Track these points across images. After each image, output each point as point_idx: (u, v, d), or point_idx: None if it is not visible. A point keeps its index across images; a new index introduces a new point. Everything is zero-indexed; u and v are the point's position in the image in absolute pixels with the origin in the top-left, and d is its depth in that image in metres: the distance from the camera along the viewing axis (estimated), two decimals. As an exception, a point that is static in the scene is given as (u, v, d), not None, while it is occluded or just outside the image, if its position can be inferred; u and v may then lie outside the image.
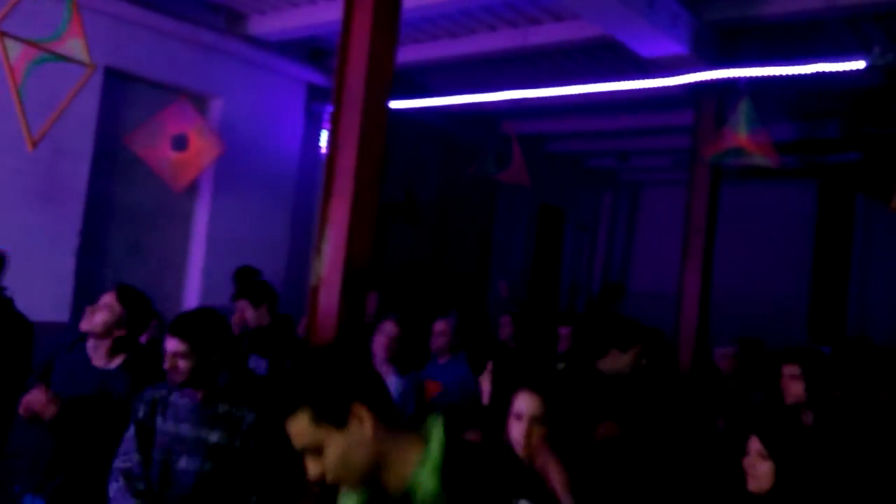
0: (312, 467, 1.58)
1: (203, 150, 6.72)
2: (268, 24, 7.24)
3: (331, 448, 1.57)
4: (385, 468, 1.59)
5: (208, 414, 2.93)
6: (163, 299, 6.77)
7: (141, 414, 2.95)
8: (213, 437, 2.89)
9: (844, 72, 5.98)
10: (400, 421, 1.65)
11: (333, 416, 1.57)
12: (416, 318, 5.62)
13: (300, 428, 1.57)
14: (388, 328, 4.60)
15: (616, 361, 4.01)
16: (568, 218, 12.47)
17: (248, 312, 5.03)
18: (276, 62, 7.60)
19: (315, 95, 8.07)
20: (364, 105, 3.98)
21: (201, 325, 2.97)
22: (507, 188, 9.85)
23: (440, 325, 5.18)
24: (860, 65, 5.79)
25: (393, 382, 4.41)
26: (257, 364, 4.78)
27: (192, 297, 7.33)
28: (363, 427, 1.58)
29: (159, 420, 2.94)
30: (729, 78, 6.30)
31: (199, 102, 7.22)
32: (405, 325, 4.68)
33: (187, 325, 2.95)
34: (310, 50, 7.94)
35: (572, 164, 12.33)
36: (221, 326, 3.07)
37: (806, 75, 5.98)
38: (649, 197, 12.81)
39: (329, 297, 3.84)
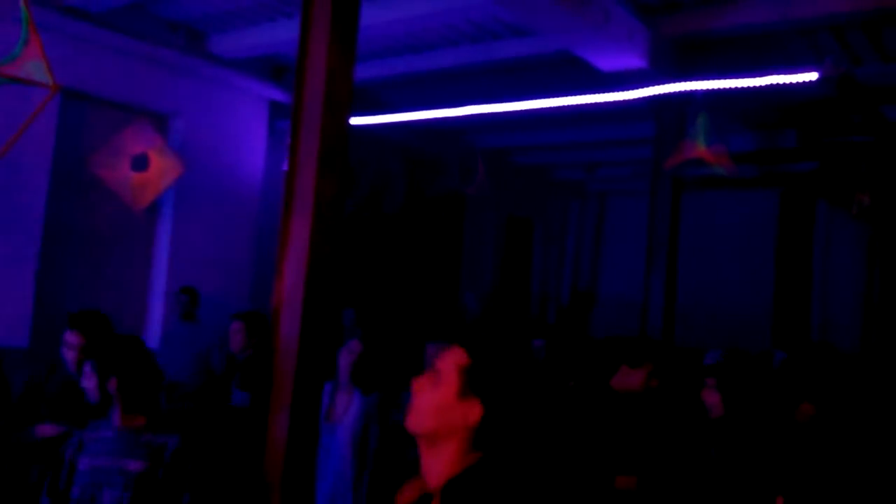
0: None
1: (163, 169, 6.62)
2: (228, 42, 7.20)
3: None
4: None
5: (129, 443, 2.89)
6: (125, 322, 6.66)
7: (67, 455, 2.91)
8: (135, 466, 2.85)
9: (800, 83, 6.10)
10: None
11: None
12: (393, 336, 5.55)
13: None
14: (352, 346, 4.54)
15: (626, 378, 3.95)
16: (536, 229, 12.54)
17: (238, 336, 4.87)
18: (237, 80, 7.56)
19: (278, 112, 8.04)
20: (323, 123, 3.93)
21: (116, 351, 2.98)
22: (475, 201, 9.88)
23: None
24: (813, 76, 5.91)
25: (356, 402, 4.36)
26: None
27: (155, 319, 7.22)
28: None
29: (82, 458, 2.89)
30: (687, 90, 6.40)
31: (160, 122, 7.15)
32: (370, 343, 4.62)
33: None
34: (272, 67, 7.91)
35: (540, 176, 12.40)
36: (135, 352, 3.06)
37: (762, 87, 6.09)
38: (616, 206, 12.92)
39: (291, 320, 3.79)
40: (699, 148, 6.13)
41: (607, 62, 6.35)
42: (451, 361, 1.74)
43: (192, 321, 6.60)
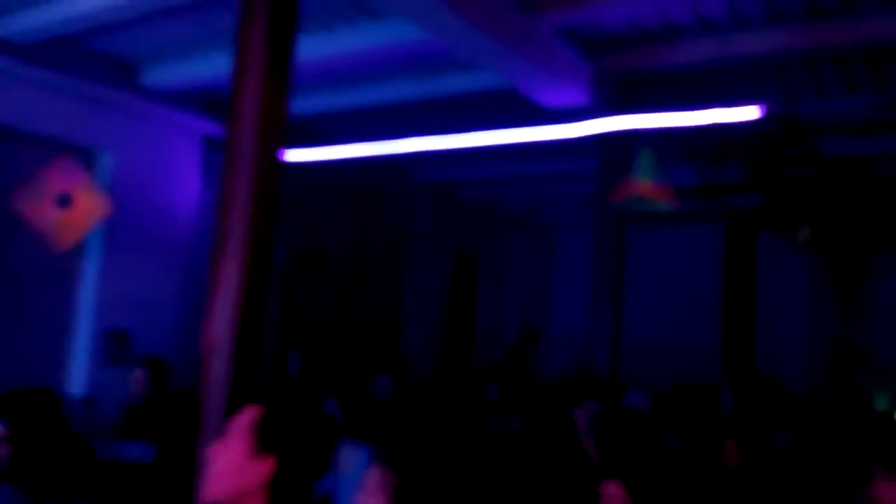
0: None
1: (89, 208, 6.28)
2: (160, 76, 6.95)
3: None
4: None
5: None
6: (47, 364, 6.27)
7: None
8: None
9: (740, 118, 6.16)
10: None
11: None
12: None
13: None
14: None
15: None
16: (482, 264, 12.42)
17: (140, 385, 4.58)
18: (170, 114, 7.30)
19: (214, 147, 7.77)
20: (256, 159, 3.77)
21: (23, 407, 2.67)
22: (420, 236, 9.72)
23: None
24: (755, 112, 5.98)
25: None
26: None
27: (80, 361, 6.83)
28: None
29: None
30: (630, 126, 6.40)
31: (87, 158, 6.81)
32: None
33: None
34: (207, 101, 7.66)
35: (485, 211, 12.34)
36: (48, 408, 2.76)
37: (704, 122, 6.13)
38: (562, 241, 12.93)
39: (220, 364, 3.56)
40: (643, 183, 6.12)
41: (551, 98, 6.33)
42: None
43: (123, 365, 6.24)
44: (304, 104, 7.64)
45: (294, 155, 7.36)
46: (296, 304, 8.84)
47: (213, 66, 6.60)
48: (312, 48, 6.07)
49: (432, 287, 11.31)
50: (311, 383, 5.96)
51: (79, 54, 6.61)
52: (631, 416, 3.56)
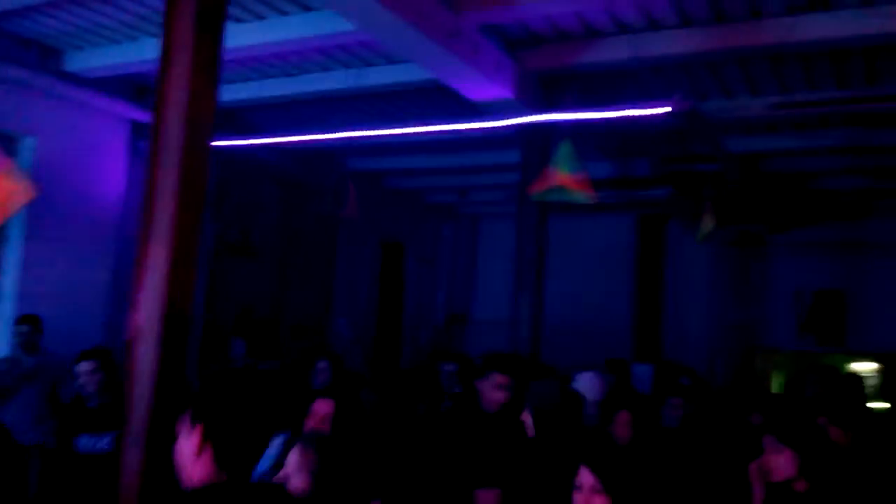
0: None
1: (11, 193, 6.16)
2: (86, 60, 6.86)
3: None
4: None
5: None
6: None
7: None
8: None
9: (652, 115, 6.54)
10: None
11: None
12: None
13: None
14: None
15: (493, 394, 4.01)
16: (409, 252, 12.65)
17: (96, 377, 4.46)
18: (96, 99, 7.19)
19: (141, 133, 7.71)
20: (184, 146, 3.79)
21: None
22: (349, 225, 9.86)
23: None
24: (665, 110, 6.35)
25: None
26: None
27: (2, 351, 6.70)
28: None
29: None
30: (551, 120, 6.70)
31: (9, 142, 6.66)
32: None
33: None
34: (134, 86, 7.59)
35: (412, 200, 12.55)
36: None
37: (618, 119, 6.48)
38: (488, 228, 13.29)
39: (146, 350, 3.61)
40: (562, 175, 6.43)
41: (476, 92, 6.56)
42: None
43: (35, 353, 6.13)
44: (234, 93, 7.68)
45: (222, 143, 7.39)
46: (224, 292, 8.86)
47: (142, 51, 6.58)
48: (242, 37, 6.14)
49: (361, 274, 11.47)
50: (255, 370, 6.05)
51: (0, 38, 6.47)
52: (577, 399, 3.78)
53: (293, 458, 2.50)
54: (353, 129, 6.93)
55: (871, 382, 10.46)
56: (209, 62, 3.95)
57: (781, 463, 3.46)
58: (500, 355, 4.09)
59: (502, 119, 6.70)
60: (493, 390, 3.85)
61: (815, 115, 7.41)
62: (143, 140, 7.71)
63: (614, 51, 6.35)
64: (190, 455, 1.82)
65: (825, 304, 11.15)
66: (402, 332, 12.45)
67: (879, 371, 11.04)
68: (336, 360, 6.01)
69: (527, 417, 3.59)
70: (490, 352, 4.20)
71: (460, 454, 3.72)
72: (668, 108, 6.25)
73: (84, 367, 4.44)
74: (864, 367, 11.09)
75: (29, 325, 6.07)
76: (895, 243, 10.64)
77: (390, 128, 6.97)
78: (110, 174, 7.48)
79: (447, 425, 4.05)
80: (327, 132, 6.99)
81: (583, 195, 6.44)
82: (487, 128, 7.22)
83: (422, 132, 7.14)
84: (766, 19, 5.80)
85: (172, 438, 3.56)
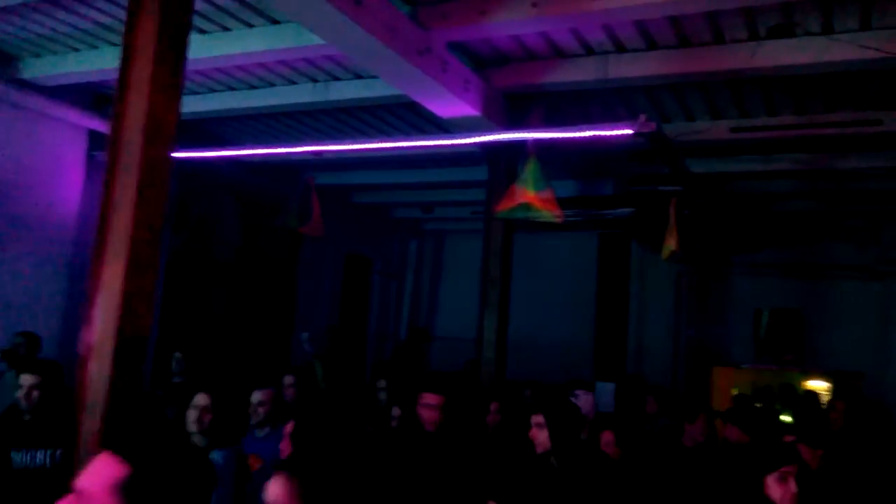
0: None
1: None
2: (43, 68, 6.69)
3: None
4: None
5: None
6: None
7: None
8: None
9: (616, 136, 6.60)
10: None
11: None
12: (230, 383, 5.26)
13: None
14: (199, 399, 4.22)
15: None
16: (375, 267, 12.58)
17: (36, 392, 4.32)
18: (53, 108, 7.01)
19: (100, 143, 7.54)
20: (143, 158, 3.70)
21: None
22: (315, 239, 9.76)
23: (259, 395, 4.71)
24: (627, 131, 6.41)
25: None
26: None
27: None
28: None
29: None
30: (517, 139, 6.72)
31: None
32: (218, 394, 4.32)
33: None
34: (93, 95, 7.42)
35: (379, 215, 12.50)
36: None
37: (583, 138, 6.52)
38: (453, 245, 13.30)
39: (100, 369, 3.50)
40: (528, 193, 6.44)
41: (444, 109, 6.55)
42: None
43: None
44: (198, 104, 7.56)
45: (186, 155, 7.25)
46: (185, 307, 8.68)
47: (102, 60, 6.44)
48: (207, 48, 6.05)
49: (325, 289, 11.36)
50: (193, 387, 5.87)
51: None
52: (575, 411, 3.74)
53: (275, 489, 2.37)
54: (319, 144, 6.85)
55: (824, 400, 10.67)
56: (171, 74, 3.86)
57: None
58: (434, 374, 4.11)
59: (469, 136, 6.70)
60: (424, 410, 3.86)
61: (774, 140, 7.56)
62: (102, 150, 7.54)
63: (580, 72, 6.41)
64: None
65: (783, 323, 11.35)
66: (367, 348, 12.35)
67: (831, 389, 11.26)
68: (301, 376, 5.91)
69: (537, 434, 3.56)
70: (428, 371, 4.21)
71: (398, 475, 3.71)
72: (632, 130, 6.30)
73: (26, 379, 4.28)
74: (819, 386, 11.31)
75: None
76: (850, 265, 10.91)
77: (356, 143, 6.92)
78: (67, 184, 7.29)
79: (386, 446, 4.04)
80: (292, 146, 6.91)
81: (549, 213, 6.46)
82: (454, 145, 7.21)
83: (388, 148, 7.10)
84: (729, 45, 5.91)
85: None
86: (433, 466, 3.73)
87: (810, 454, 3.71)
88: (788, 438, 3.74)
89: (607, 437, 4.44)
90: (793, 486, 2.98)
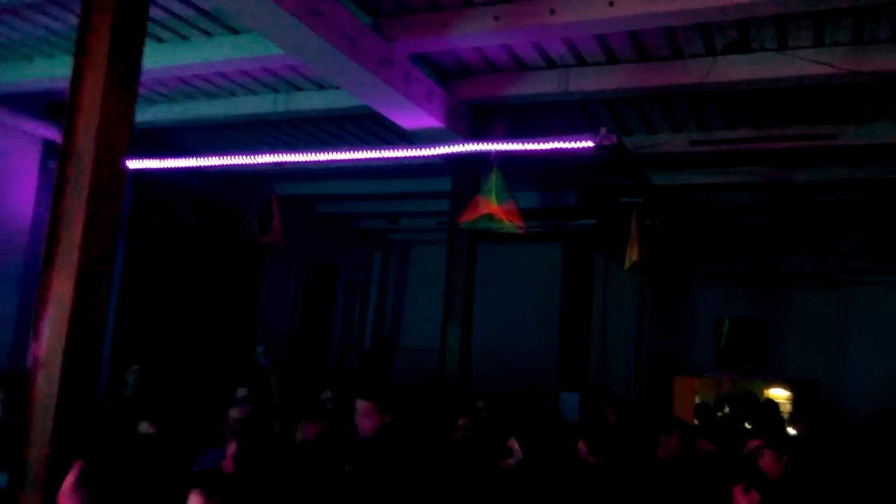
0: None
1: None
2: (-4, 75, 6.53)
3: None
4: None
5: None
6: None
7: None
8: None
9: (578, 149, 6.65)
10: None
11: None
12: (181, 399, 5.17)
13: None
14: (144, 427, 4.14)
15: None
16: (339, 277, 12.49)
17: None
18: (5, 116, 6.85)
19: (54, 152, 7.37)
20: (94, 169, 3.62)
21: None
22: (277, 250, 9.66)
23: (235, 413, 4.70)
24: (589, 144, 6.47)
25: None
26: None
27: None
28: None
29: None
30: (480, 151, 6.73)
31: None
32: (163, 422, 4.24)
33: None
34: (47, 104, 7.26)
35: (343, 225, 12.43)
36: None
37: (545, 150, 6.56)
38: (418, 255, 13.27)
39: (49, 383, 3.41)
40: (492, 204, 6.46)
41: (407, 121, 6.55)
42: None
43: None
44: (156, 113, 7.45)
45: (144, 165, 7.13)
46: (142, 319, 8.51)
47: (56, 68, 6.31)
48: (164, 57, 5.97)
49: (287, 300, 11.24)
50: (148, 403, 5.76)
51: None
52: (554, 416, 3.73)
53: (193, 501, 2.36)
54: (281, 154, 6.78)
55: (784, 409, 10.85)
56: (125, 81, 3.79)
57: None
58: (368, 381, 4.11)
59: (433, 147, 6.70)
60: (358, 417, 3.85)
61: (733, 153, 7.69)
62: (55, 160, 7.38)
63: (542, 84, 6.47)
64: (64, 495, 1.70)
65: (744, 332, 11.52)
66: (330, 359, 12.24)
67: (791, 398, 11.46)
68: (257, 388, 5.82)
69: (512, 443, 3.54)
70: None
71: (336, 482, 3.69)
72: (593, 143, 6.36)
73: None
74: (779, 395, 11.50)
75: None
76: (809, 275, 11.13)
77: (319, 153, 6.86)
78: (20, 194, 7.11)
79: (325, 452, 4.02)
80: (253, 156, 6.83)
81: (512, 225, 6.49)
82: (418, 156, 7.20)
83: (352, 158, 7.06)
84: (688, 60, 6.01)
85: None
86: (368, 473, 3.70)
87: (776, 459, 3.73)
88: (755, 443, 3.77)
89: (580, 445, 4.43)
90: (755, 496, 3.07)
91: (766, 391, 11.50)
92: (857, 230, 10.27)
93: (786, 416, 10.07)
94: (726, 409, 10.52)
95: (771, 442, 3.66)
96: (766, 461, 3.42)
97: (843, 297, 10.87)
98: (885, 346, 10.14)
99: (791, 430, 8.10)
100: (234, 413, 4.67)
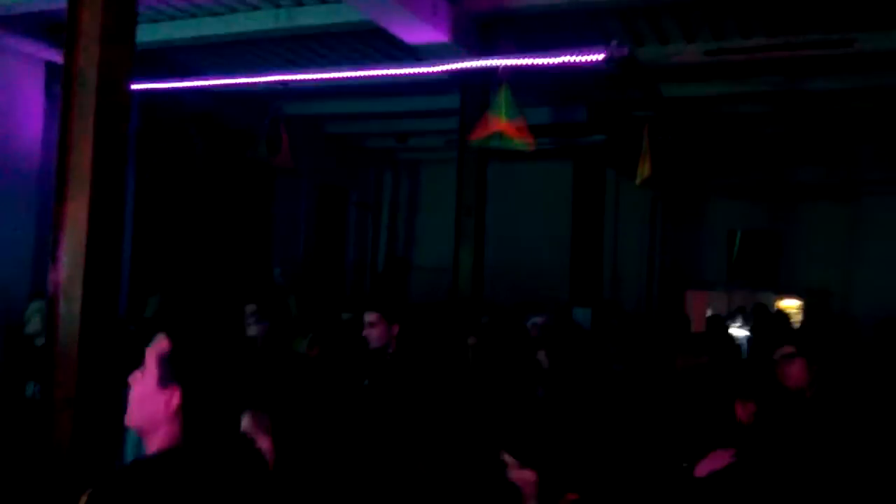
0: None
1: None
2: (-7, -5, 6.39)
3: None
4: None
5: None
6: None
7: None
8: None
9: (588, 62, 6.50)
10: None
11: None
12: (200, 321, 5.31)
13: None
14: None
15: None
16: (350, 198, 12.51)
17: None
18: (5, 39, 6.73)
19: (58, 76, 7.30)
20: (99, 91, 3.59)
21: None
22: (287, 171, 9.66)
23: (255, 331, 4.90)
24: (600, 56, 6.32)
25: None
26: None
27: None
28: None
29: None
30: (488, 66, 6.60)
31: None
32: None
33: None
34: (48, 24, 7.13)
35: (352, 145, 12.35)
36: None
37: (555, 65, 6.42)
38: (428, 175, 13.22)
39: (70, 310, 3.49)
40: (501, 122, 6.39)
41: (412, 35, 6.40)
42: (152, 352, 1.75)
43: None
44: (158, 33, 7.31)
45: (148, 86, 7.07)
46: (157, 243, 8.62)
47: (54, -12, 6.16)
48: (163, -25, 5.82)
49: (300, 222, 11.31)
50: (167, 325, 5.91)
51: None
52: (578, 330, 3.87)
53: (246, 422, 2.46)
54: (286, 73, 6.69)
55: (796, 318, 10.98)
56: (124, 2, 3.73)
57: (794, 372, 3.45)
58: (378, 293, 4.19)
59: (439, 64, 6.57)
60: (366, 328, 3.97)
61: (748, 62, 7.50)
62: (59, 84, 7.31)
63: (550, -5, 6.27)
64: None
65: (756, 245, 11.54)
66: (343, 279, 12.40)
67: (803, 308, 11.58)
68: (272, 308, 5.94)
69: (541, 355, 3.67)
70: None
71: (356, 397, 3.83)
72: (604, 55, 6.21)
73: (34, 306, 4.34)
74: (790, 305, 11.62)
75: None
76: (822, 186, 11.03)
77: (324, 72, 6.75)
78: (25, 119, 7.07)
79: (344, 367, 4.15)
80: (259, 75, 6.73)
81: (522, 142, 6.44)
82: (425, 72, 7.07)
83: (357, 76, 6.95)
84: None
85: (103, 403, 3.52)
86: (386, 387, 3.84)
87: (806, 368, 3.58)
88: (788, 349, 3.59)
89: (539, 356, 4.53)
90: (752, 407, 3.10)
91: (777, 303, 11.62)
92: (871, 140, 10.10)
93: (797, 325, 10.22)
94: (738, 322, 10.69)
95: (803, 350, 3.50)
96: (795, 369, 3.32)
97: (856, 207, 10.81)
98: (894, 255, 10.14)
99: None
100: (253, 331, 4.79)
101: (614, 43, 6.18)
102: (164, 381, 1.70)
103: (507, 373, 4.42)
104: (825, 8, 6.41)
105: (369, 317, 3.96)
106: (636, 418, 3.98)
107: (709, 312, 11.27)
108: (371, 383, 3.98)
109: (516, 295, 9.58)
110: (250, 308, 5.72)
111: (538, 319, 6.16)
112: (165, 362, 1.72)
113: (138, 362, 1.81)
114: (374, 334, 3.96)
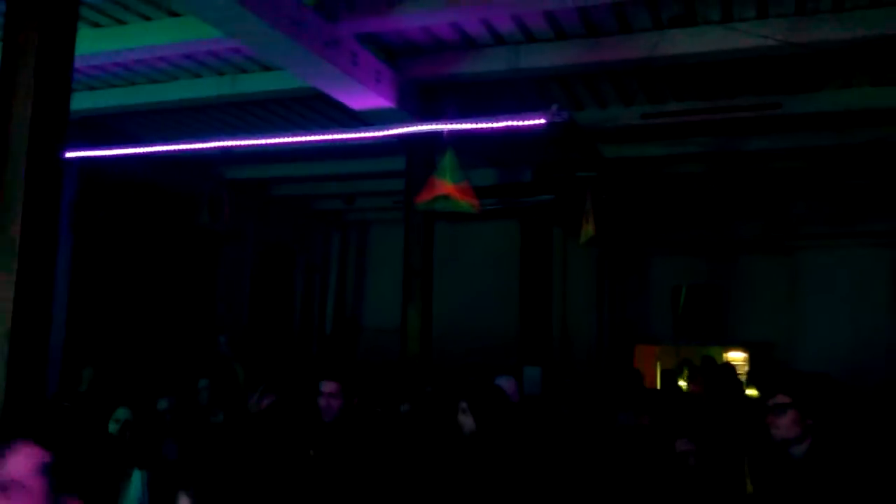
0: None
1: None
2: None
3: None
4: None
5: None
6: None
7: None
8: None
9: (531, 125, 6.64)
10: None
11: None
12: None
13: None
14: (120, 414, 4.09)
15: None
16: (298, 260, 12.38)
17: None
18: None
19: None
20: (30, 160, 3.51)
21: None
22: (232, 234, 9.51)
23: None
24: (541, 121, 6.46)
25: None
26: None
27: None
28: None
29: None
30: (433, 130, 6.67)
31: None
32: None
33: None
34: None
35: (300, 207, 12.29)
36: None
37: (498, 129, 6.54)
38: (376, 235, 13.19)
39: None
40: (446, 185, 6.43)
41: (357, 101, 6.47)
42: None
43: None
44: (98, 100, 7.24)
45: (88, 153, 6.93)
46: (95, 314, 8.32)
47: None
48: (102, 42, 5.76)
49: (245, 285, 11.10)
50: (103, 400, 5.68)
51: None
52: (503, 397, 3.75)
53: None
54: (230, 138, 6.65)
55: (742, 370, 11.13)
56: (58, 68, 3.69)
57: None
58: (332, 363, 4.07)
59: (384, 129, 6.63)
60: (323, 398, 3.75)
61: (683, 125, 7.77)
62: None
63: (492, 62, 6.44)
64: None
65: (700, 299, 11.74)
66: (293, 343, 12.15)
67: (748, 360, 11.76)
68: (216, 380, 5.76)
69: (466, 419, 3.53)
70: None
71: (301, 467, 3.68)
72: (545, 120, 6.35)
73: None
74: (736, 357, 11.79)
75: None
76: (761, 242, 11.35)
77: (270, 137, 6.74)
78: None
79: (289, 437, 3.99)
80: (202, 141, 6.68)
81: (467, 204, 6.47)
82: (369, 136, 7.12)
83: (301, 140, 6.95)
84: (636, 34, 6.03)
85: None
86: (333, 458, 3.71)
87: (797, 421, 3.46)
88: (781, 399, 3.48)
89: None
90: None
91: (724, 354, 11.78)
92: (806, 197, 10.50)
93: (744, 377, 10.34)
94: (685, 374, 10.75)
95: (798, 403, 3.35)
96: (787, 421, 3.19)
97: (795, 261, 11.12)
98: (833, 307, 10.43)
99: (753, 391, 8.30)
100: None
101: (555, 107, 6.33)
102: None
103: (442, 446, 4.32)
104: (754, 74, 6.72)
105: (328, 387, 3.74)
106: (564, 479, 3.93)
107: (658, 367, 11.36)
108: (316, 454, 3.84)
109: (466, 356, 9.51)
110: (203, 383, 5.56)
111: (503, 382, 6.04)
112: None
113: (73, 438, 1.68)
114: (333, 405, 3.77)
